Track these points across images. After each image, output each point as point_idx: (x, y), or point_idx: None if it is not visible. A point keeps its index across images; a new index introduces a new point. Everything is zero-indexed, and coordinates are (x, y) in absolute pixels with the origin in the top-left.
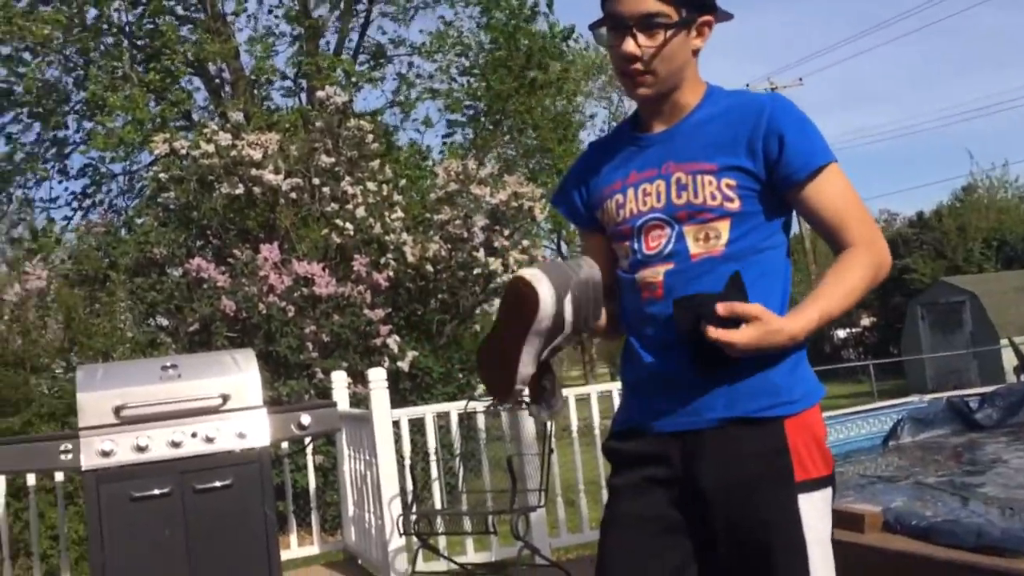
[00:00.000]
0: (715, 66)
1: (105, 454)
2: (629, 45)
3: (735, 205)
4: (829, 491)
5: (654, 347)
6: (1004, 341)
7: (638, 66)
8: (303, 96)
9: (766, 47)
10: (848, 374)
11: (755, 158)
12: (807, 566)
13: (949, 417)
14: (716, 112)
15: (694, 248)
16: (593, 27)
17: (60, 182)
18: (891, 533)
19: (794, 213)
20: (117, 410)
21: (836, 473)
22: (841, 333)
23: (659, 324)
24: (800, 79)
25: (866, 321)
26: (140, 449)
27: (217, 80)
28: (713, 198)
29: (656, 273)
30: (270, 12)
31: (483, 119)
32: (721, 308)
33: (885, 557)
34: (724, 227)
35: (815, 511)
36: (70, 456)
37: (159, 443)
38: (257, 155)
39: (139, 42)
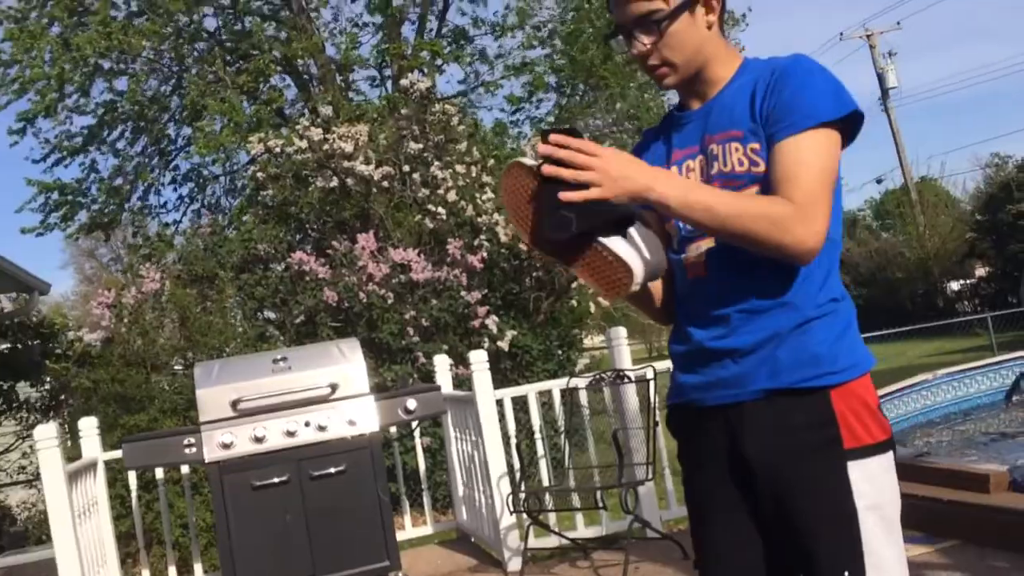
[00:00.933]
0: (806, 18)
1: (226, 446)
2: (636, 47)
3: (761, 169)
4: (887, 456)
5: (699, 322)
6: None
7: (653, 62)
8: (388, 85)
9: None
10: (964, 328)
11: (763, 118)
12: (857, 534)
13: None
14: (747, 81)
15: None
16: (607, 39)
17: (169, 185)
18: (1019, 492)
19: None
20: (234, 403)
21: (900, 437)
22: (955, 285)
23: (704, 300)
24: (898, 23)
25: (981, 271)
26: (258, 440)
27: (305, 76)
28: (740, 164)
29: (699, 250)
30: (352, 1)
31: (568, 91)
32: (552, 139)
33: (1014, 517)
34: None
35: (869, 478)
36: (194, 449)
37: (275, 433)
38: (348, 147)
39: (228, 44)
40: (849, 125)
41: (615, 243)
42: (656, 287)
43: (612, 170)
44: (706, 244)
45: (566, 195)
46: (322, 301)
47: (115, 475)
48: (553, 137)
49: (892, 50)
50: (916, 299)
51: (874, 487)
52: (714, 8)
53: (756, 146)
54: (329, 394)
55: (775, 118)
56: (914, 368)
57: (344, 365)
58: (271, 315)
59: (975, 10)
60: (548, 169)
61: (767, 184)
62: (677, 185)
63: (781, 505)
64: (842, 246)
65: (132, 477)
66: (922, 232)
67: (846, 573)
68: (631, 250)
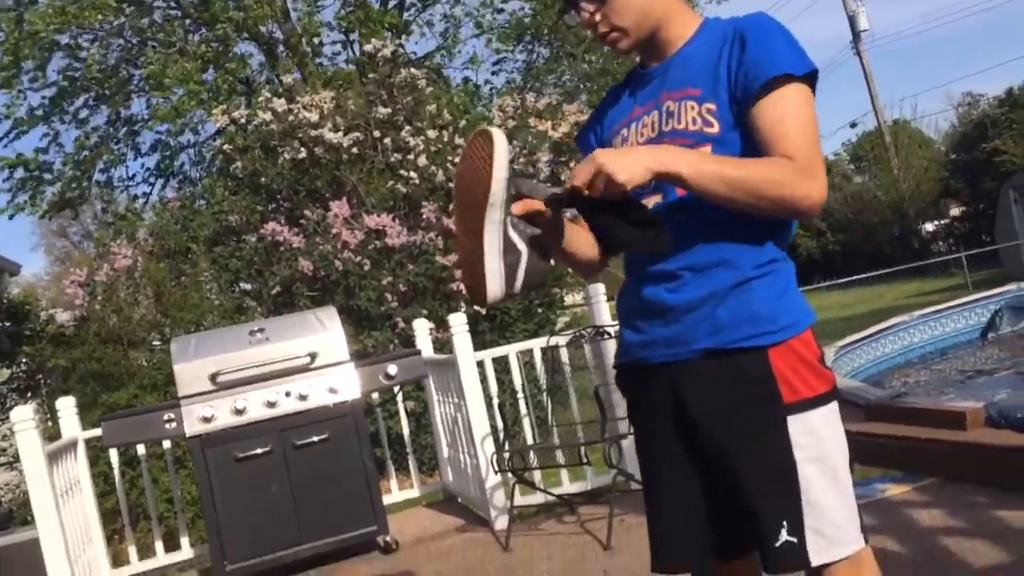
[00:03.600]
0: None
1: (206, 420)
2: (584, 17)
3: (714, 129)
4: (829, 408)
5: (643, 278)
6: None
7: (603, 29)
8: (355, 49)
9: None
10: (940, 268)
11: (728, 77)
12: (795, 488)
13: None
14: (706, 40)
15: None
16: (561, 15)
17: (136, 159)
18: (995, 428)
19: None
20: (213, 377)
21: (879, 378)
22: (929, 226)
23: (647, 258)
24: None
25: (955, 211)
26: (238, 412)
27: (270, 42)
28: (694, 123)
29: (648, 205)
30: None
31: (535, 47)
32: (576, 191)
33: (990, 453)
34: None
35: (809, 430)
36: (174, 424)
37: (256, 404)
38: (314, 116)
39: (189, 13)
40: (812, 84)
41: (494, 261)
42: (579, 243)
43: (613, 161)
44: (653, 200)
45: (606, 197)
46: (298, 271)
47: (97, 454)
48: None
49: None
50: (893, 241)
51: (815, 439)
52: None
53: (712, 107)
54: (309, 363)
55: (746, 75)
56: (892, 310)
57: (323, 334)
58: (247, 287)
59: None
60: (577, 185)
61: (720, 145)
62: (685, 155)
63: (722, 460)
64: None
65: (114, 455)
66: (896, 175)
67: (784, 523)
68: (499, 275)
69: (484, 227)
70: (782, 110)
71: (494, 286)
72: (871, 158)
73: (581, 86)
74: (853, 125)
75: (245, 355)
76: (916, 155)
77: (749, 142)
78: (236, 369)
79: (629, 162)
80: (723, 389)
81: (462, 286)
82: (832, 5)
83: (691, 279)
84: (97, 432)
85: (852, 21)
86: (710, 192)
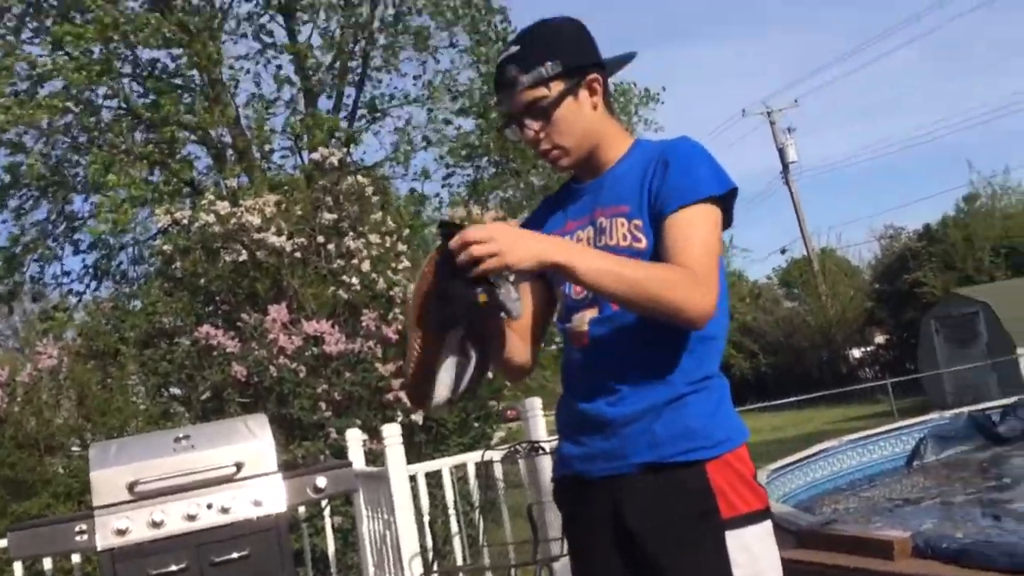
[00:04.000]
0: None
1: (120, 532)
2: (527, 135)
3: (642, 244)
4: (764, 525)
5: (582, 392)
6: (1021, 350)
7: (545, 147)
8: (304, 155)
9: (763, 72)
10: (866, 394)
11: (649, 197)
12: None
13: (972, 432)
14: (636, 160)
15: None
16: (501, 129)
17: (75, 254)
18: (922, 558)
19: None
20: (131, 486)
21: (808, 504)
22: (856, 353)
23: (587, 370)
24: (795, 100)
25: (880, 339)
26: (155, 525)
27: (219, 145)
28: (624, 239)
29: (583, 320)
30: (274, 79)
31: (483, 161)
32: (453, 243)
33: None
34: None
35: (745, 547)
36: (86, 537)
37: (174, 517)
38: (256, 220)
39: (139, 114)
40: (729, 203)
41: (445, 370)
42: (513, 348)
43: (506, 238)
44: (590, 314)
45: (481, 268)
46: (230, 376)
47: (1, 567)
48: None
49: (791, 126)
50: (821, 366)
51: (750, 556)
52: (596, 91)
53: (639, 223)
54: (234, 473)
55: (663, 195)
56: (822, 434)
57: (251, 442)
58: (176, 391)
59: (869, 89)
60: (454, 243)
61: (647, 258)
62: (582, 251)
63: (660, 575)
64: (727, 321)
65: (18, 568)
66: (824, 301)
67: None
68: (448, 382)
69: (446, 336)
70: (687, 225)
71: (443, 392)
72: (800, 284)
73: (524, 203)
74: (783, 251)
75: (167, 463)
76: (843, 283)
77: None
78: (156, 478)
79: (522, 246)
80: (662, 503)
81: (400, 395)
82: (764, 137)
83: (629, 393)
84: (2, 543)
85: (782, 153)
86: (604, 289)
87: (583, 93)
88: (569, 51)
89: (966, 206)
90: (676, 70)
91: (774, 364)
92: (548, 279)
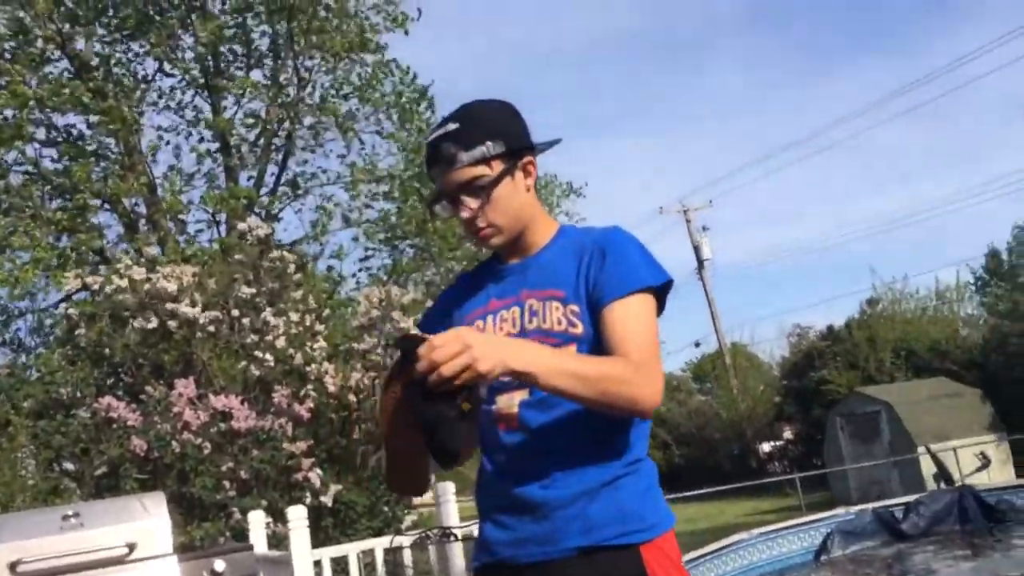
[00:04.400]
0: (631, 188)
1: None
2: (464, 212)
3: (578, 330)
4: None
5: (510, 475)
6: (922, 449)
7: (480, 224)
8: (222, 229)
9: (679, 170)
10: (776, 488)
11: (586, 286)
12: None
13: (876, 528)
14: (565, 245)
15: None
16: (430, 205)
17: None
18: None
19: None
20: (12, 566)
21: None
22: (766, 447)
23: (517, 453)
24: (710, 201)
25: (789, 434)
26: None
27: (132, 214)
28: (559, 323)
29: (512, 402)
30: (192, 150)
31: (401, 245)
32: (422, 367)
33: None
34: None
35: None
36: None
37: None
38: (172, 287)
39: (49, 180)
40: (663, 293)
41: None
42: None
43: (478, 346)
44: (519, 396)
45: (457, 383)
46: (129, 451)
47: None
48: (406, 346)
49: (705, 225)
50: (733, 458)
51: None
52: (531, 173)
53: (576, 308)
54: (125, 555)
55: (602, 283)
56: (733, 527)
57: (146, 521)
58: (69, 466)
59: (781, 193)
60: (423, 367)
61: (583, 343)
62: (537, 352)
63: None
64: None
65: None
66: (735, 395)
67: None
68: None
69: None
70: (628, 316)
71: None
72: (713, 377)
73: (442, 286)
74: (697, 345)
75: (53, 543)
76: (753, 377)
77: (600, 342)
78: (40, 558)
79: (490, 352)
80: None
81: (310, 475)
82: (679, 233)
83: (562, 476)
84: None
85: (696, 250)
86: (560, 391)
87: (519, 174)
88: (508, 132)
89: (869, 309)
90: (596, 163)
91: (686, 455)
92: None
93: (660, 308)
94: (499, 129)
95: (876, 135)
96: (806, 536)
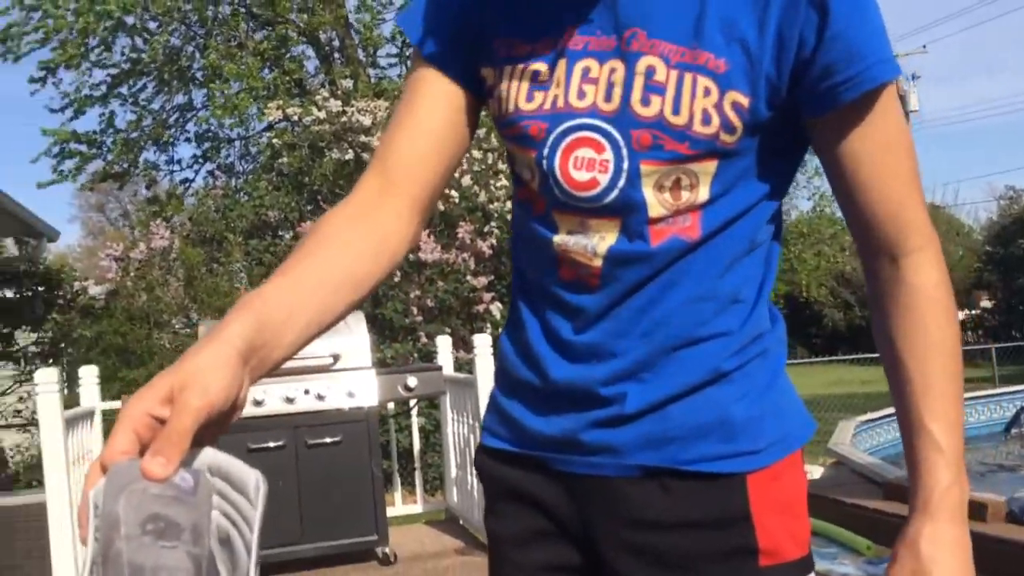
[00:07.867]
0: None
1: None
2: None
3: (733, 138)
4: None
5: (571, 352)
6: None
7: None
8: (408, 64)
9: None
10: (966, 357)
11: (782, 54)
12: None
13: None
14: None
15: (655, 207)
16: None
17: (185, 143)
18: (1016, 524)
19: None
20: None
21: (896, 460)
22: (960, 315)
23: (584, 320)
24: (924, 46)
25: (986, 303)
26: (257, 403)
27: (328, 48)
28: (706, 121)
29: (592, 249)
30: None
31: None
32: None
33: (1011, 548)
34: (707, 174)
35: None
36: None
37: (274, 398)
38: (367, 121)
39: (253, 10)
40: None
41: None
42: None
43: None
44: (607, 242)
45: None
46: None
47: (111, 426)
48: None
49: (916, 72)
50: None
51: None
52: None
53: (744, 100)
54: (331, 364)
55: (832, 66)
56: None
57: (348, 336)
58: None
59: (996, 42)
60: None
61: (726, 160)
62: (964, 497)
63: None
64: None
65: None
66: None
67: None
68: None
69: None
70: (887, 145)
71: None
72: None
73: None
74: None
75: None
76: (952, 242)
77: (785, 158)
78: None
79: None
80: (668, 529)
81: (492, 308)
82: None
83: (642, 362)
84: (116, 404)
85: (903, 100)
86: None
87: None
88: None
89: None
90: None
91: (869, 317)
92: (499, 121)
93: None
94: None
95: None
96: (996, 408)
